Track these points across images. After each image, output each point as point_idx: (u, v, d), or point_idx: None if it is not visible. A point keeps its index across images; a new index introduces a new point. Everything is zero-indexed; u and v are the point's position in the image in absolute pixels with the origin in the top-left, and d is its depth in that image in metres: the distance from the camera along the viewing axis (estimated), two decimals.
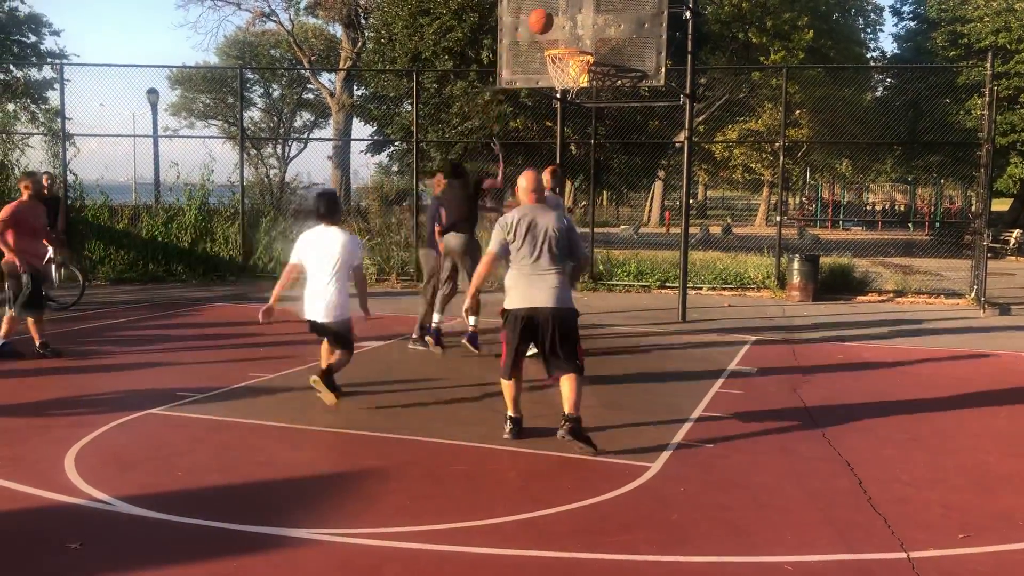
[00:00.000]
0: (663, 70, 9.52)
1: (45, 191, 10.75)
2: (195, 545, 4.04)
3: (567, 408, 5.54)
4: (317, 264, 6.36)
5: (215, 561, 3.86)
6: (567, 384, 5.57)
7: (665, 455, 5.45)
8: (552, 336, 5.57)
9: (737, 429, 6.12)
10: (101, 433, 5.76)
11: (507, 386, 5.81)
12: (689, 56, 10.98)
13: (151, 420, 6.15)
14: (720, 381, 7.61)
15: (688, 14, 10.69)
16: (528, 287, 5.62)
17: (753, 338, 9.87)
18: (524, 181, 5.93)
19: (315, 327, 6.46)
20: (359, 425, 6.01)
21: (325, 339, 6.60)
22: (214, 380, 7.31)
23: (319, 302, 6.32)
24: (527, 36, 10.10)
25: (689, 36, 10.86)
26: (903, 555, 4.00)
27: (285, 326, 9.93)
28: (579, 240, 5.92)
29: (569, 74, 9.48)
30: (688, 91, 11.14)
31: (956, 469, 5.35)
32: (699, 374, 7.93)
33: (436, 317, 8.70)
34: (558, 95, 11.23)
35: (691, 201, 13.99)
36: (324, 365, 6.57)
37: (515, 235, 5.66)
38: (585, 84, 9.71)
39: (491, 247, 5.84)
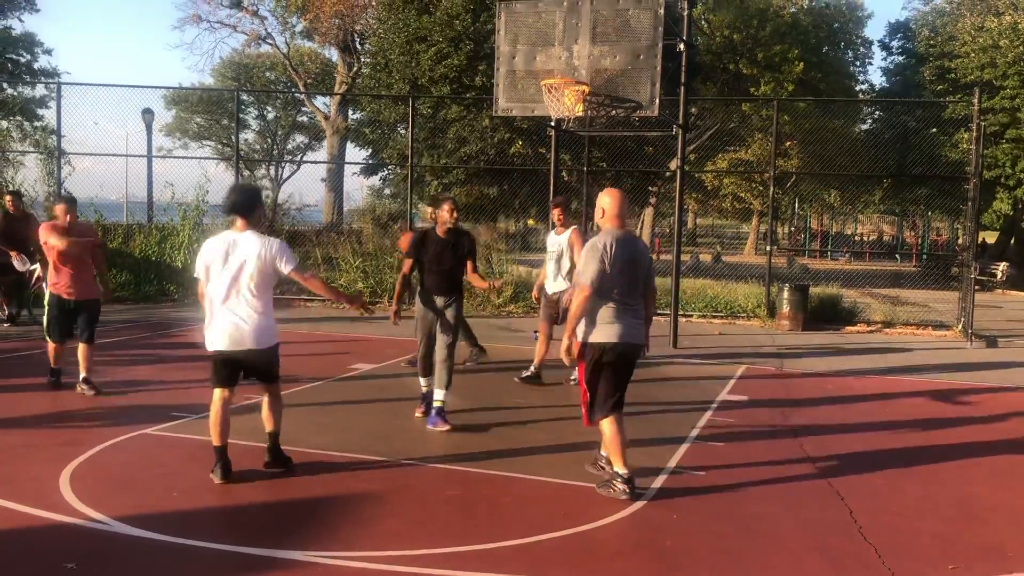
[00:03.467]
0: (657, 101, 9.66)
1: (11, 209, 10.94)
2: (191, 566, 4.05)
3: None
4: (232, 279, 5.12)
5: None
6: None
7: (658, 482, 5.49)
8: (630, 373, 5.33)
9: (728, 458, 6.17)
10: (96, 452, 5.76)
11: (613, 430, 5.19)
12: (682, 87, 11.16)
13: (145, 440, 6.15)
14: (711, 409, 7.66)
15: (682, 46, 10.89)
16: (625, 321, 5.15)
17: (744, 366, 9.95)
18: (611, 202, 5.24)
19: (232, 361, 5.22)
20: (353, 448, 6.02)
21: (228, 389, 5.27)
22: (208, 400, 7.28)
23: (243, 326, 5.14)
24: (523, 65, 10.25)
25: (682, 67, 11.05)
26: None
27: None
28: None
29: (565, 103, 9.61)
30: (681, 121, 11.31)
31: (945, 500, 5.41)
32: (690, 402, 7.97)
33: (424, 382, 6.91)
34: (553, 123, 11.38)
35: (681, 229, 14.11)
36: (219, 441, 5.23)
37: (612, 264, 5.08)
38: (580, 113, 9.85)
39: (588, 279, 5.07)
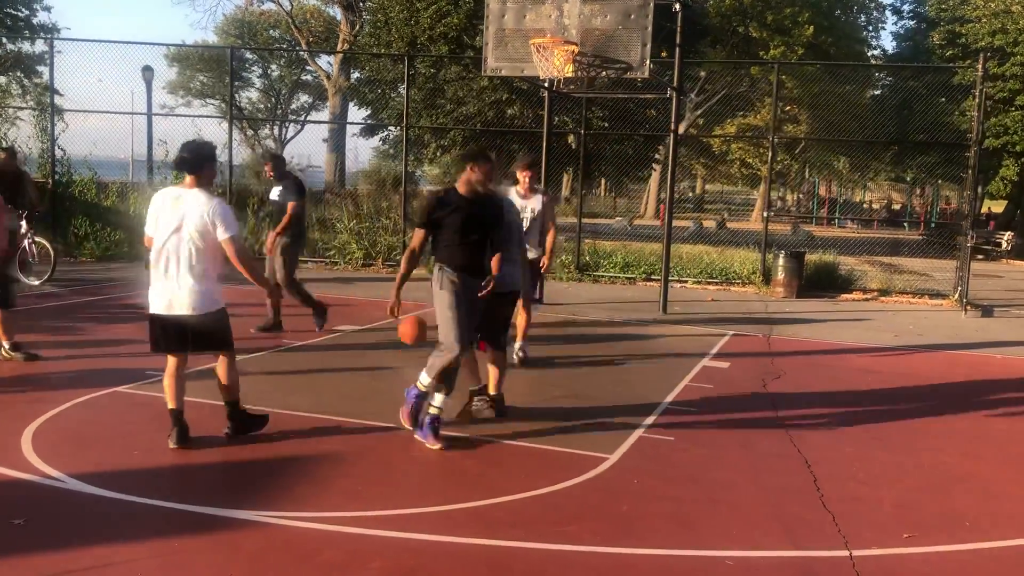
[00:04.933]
0: (647, 62, 9.47)
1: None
2: (140, 524, 4.05)
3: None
4: (174, 237, 4.89)
5: (156, 540, 3.86)
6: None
7: (624, 447, 5.45)
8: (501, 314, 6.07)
9: (701, 423, 6.13)
10: (63, 410, 5.75)
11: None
12: (677, 49, 10.95)
13: (116, 398, 6.14)
14: (691, 375, 7.61)
15: (678, 6, 10.65)
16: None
17: (731, 332, 9.88)
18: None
19: (171, 327, 4.96)
20: (322, 409, 6.00)
21: (177, 357, 5.06)
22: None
23: (179, 290, 4.89)
24: (513, 23, 10.05)
25: (678, 29, 10.82)
26: (846, 553, 4.02)
27: (260, 308, 9.94)
28: None
29: (554, 63, 9.42)
30: (676, 84, 11.11)
31: (914, 469, 5.36)
32: (671, 367, 7.93)
33: (438, 400, 5.43)
34: (545, 84, 11.19)
35: (690, 195, 13.94)
36: (174, 403, 5.04)
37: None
38: (570, 74, 9.65)
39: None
